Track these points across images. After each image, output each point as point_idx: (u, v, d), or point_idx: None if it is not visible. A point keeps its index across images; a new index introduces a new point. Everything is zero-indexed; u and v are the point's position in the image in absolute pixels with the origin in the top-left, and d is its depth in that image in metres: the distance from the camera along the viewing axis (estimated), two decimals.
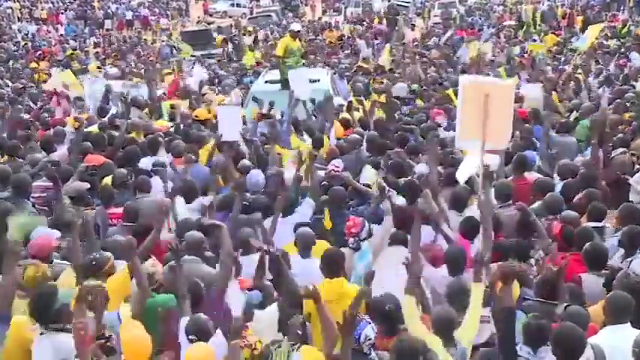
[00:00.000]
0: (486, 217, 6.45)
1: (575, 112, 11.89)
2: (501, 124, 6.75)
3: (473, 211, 7.13)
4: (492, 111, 6.63)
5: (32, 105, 15.38)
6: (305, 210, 7.72)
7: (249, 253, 6.55)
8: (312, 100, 12.10)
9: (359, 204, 7.97)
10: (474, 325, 5.25)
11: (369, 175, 8.78)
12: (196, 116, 12.17)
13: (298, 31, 15.78)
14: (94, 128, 10.99)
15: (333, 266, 5.96)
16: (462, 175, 7.35)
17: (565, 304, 5.57)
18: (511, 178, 8.39)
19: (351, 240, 6.83)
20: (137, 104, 12.54)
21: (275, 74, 14.42)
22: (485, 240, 6.38)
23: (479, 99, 6.68)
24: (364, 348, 5.20)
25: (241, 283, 5.80)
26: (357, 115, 12.19)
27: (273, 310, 5.63)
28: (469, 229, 6.82)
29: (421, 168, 8.34)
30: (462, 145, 7.59)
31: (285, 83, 12.97)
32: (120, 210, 7.59)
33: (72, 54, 23.60)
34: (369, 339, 5.21)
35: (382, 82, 15.68)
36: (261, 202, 7.69)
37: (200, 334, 5.10)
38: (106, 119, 11.70)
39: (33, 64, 20.00)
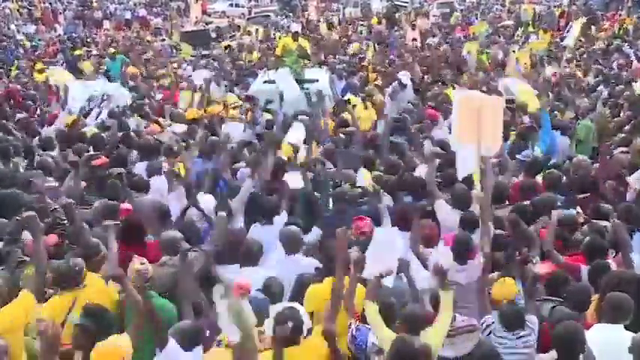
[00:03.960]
0: (485, 211, 6.49)
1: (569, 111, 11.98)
2: (493, 132, 7.21)
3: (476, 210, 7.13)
4: (484, 122, 7.10)
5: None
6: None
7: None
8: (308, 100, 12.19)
9: (361, 203, 7.97)
10: (441, 333, 5.21)
11: (364, 177, 8.81)
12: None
13: (296, 32, 15.89)
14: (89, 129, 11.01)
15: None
16: (461, 172, 7.50)
17: (552, 305, 5.62)
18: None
19: (362, 239, 6.82)
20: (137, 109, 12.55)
21: (274, 74, 14.40)
22: (483, 236, 6.43)
23: (472, 111, 7.16)
24: (371, 356, 5.15)
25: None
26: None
27: None
28: (469, 223, 6.86)
29: None
30: (456, 147, 7.87)
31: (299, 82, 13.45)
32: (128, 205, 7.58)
33: (77, 54, 23.40)
34: (376, 345, 5.17)
35: (377, 85, 15.66)
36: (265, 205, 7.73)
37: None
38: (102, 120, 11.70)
39: (38, 65, 19.94)
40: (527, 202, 7.58)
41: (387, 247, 5.85)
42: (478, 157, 7.18)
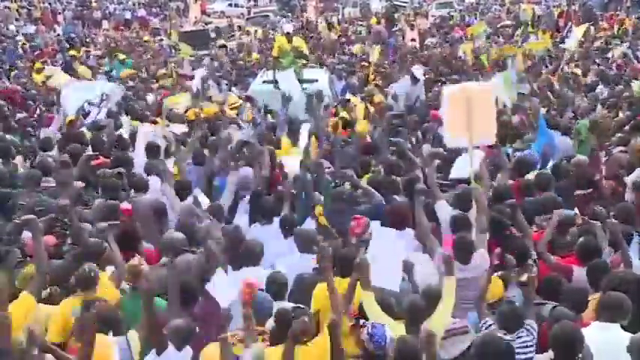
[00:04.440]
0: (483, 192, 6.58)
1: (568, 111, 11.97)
2: (486, 121, 7.26)
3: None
4: (475, 111, 7.17)
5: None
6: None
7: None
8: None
9: (360, 203, 7.93)
10: (443, 319, 5.27)
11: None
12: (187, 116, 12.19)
13: (288, 33, 15.94)
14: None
15: (346, 265, 5.97)
16: (456, 174, 7.55)
17: (552, 306, 5.62)
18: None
19: (354, 240, 6.82)
20: (131, 112, 12.51)
21: (278, 75, 14.38)
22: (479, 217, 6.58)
23: (461, 102, 7.22)
24: (390, 351, 5.12)
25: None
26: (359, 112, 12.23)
27: None
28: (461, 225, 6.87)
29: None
30: (451, 143, 7.93)
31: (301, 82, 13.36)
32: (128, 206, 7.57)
33: (73, 55, 23.36)
34: (394, 340, 5.14)
35: (378, 85, 15.66)
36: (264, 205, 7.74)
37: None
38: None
39: (37, 65, 19.91)
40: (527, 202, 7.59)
41: (386, 248, 5.85)
42: (472, 148, 7.23)
